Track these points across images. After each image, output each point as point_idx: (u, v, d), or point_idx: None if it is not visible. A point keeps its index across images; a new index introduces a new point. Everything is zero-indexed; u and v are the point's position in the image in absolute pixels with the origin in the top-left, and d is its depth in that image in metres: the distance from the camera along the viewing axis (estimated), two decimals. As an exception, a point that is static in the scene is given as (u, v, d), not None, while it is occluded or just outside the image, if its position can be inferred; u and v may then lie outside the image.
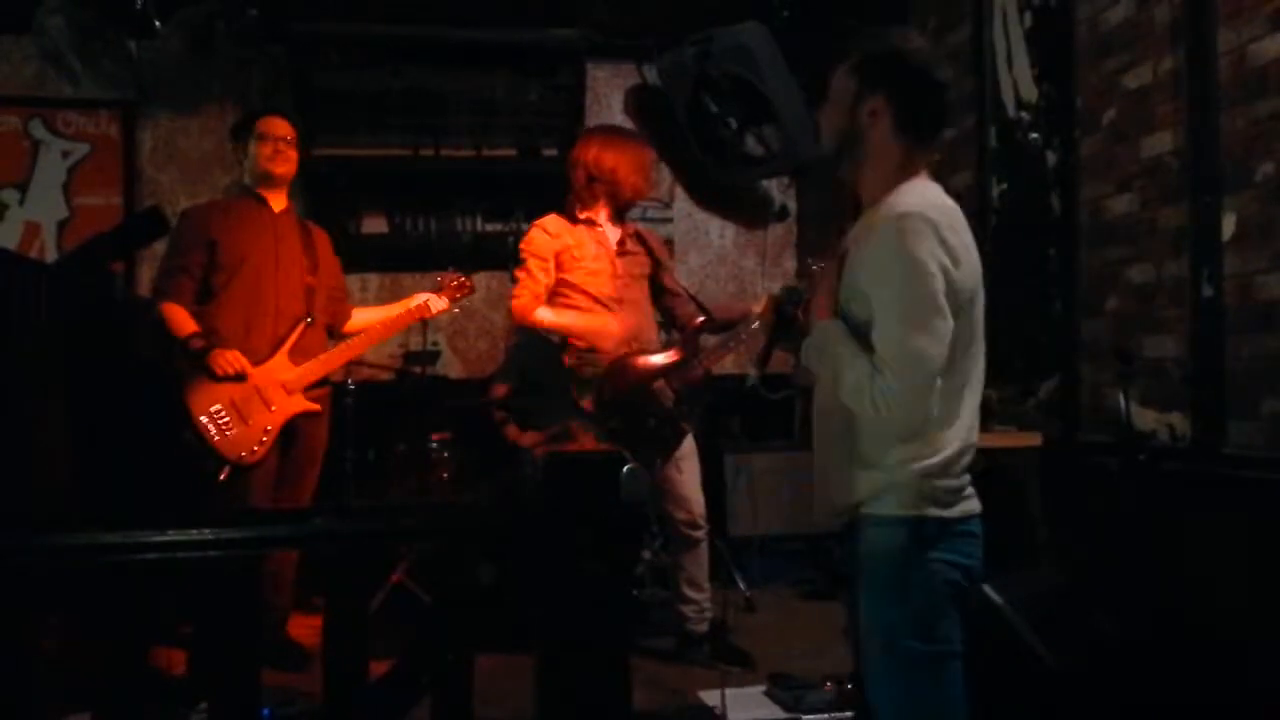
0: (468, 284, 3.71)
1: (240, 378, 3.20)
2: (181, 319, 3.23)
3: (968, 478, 1.79)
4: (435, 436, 4.14)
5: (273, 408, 3.25)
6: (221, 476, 3.16)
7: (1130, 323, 3.23)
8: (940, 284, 1.66)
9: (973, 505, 1.79)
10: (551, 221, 3.57)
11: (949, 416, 1.74)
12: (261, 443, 3.22)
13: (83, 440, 3.36)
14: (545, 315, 3.46)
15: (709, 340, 3.57)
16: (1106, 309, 3.35)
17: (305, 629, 3.64)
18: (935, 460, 1.72)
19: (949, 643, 1.74)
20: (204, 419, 3.15)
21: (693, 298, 3.69)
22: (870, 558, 1.78)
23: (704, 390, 3.50)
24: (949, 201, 1.77)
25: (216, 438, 3.15)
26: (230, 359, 3.19)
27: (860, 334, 1.75)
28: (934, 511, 1.73)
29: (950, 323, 1.67)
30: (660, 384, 3.43)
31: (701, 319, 3.56)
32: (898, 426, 1.71)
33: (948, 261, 1.67)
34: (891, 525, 1.74)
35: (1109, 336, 3.31)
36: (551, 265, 3.50)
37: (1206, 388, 2.86)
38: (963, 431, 1.76)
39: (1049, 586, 2.70)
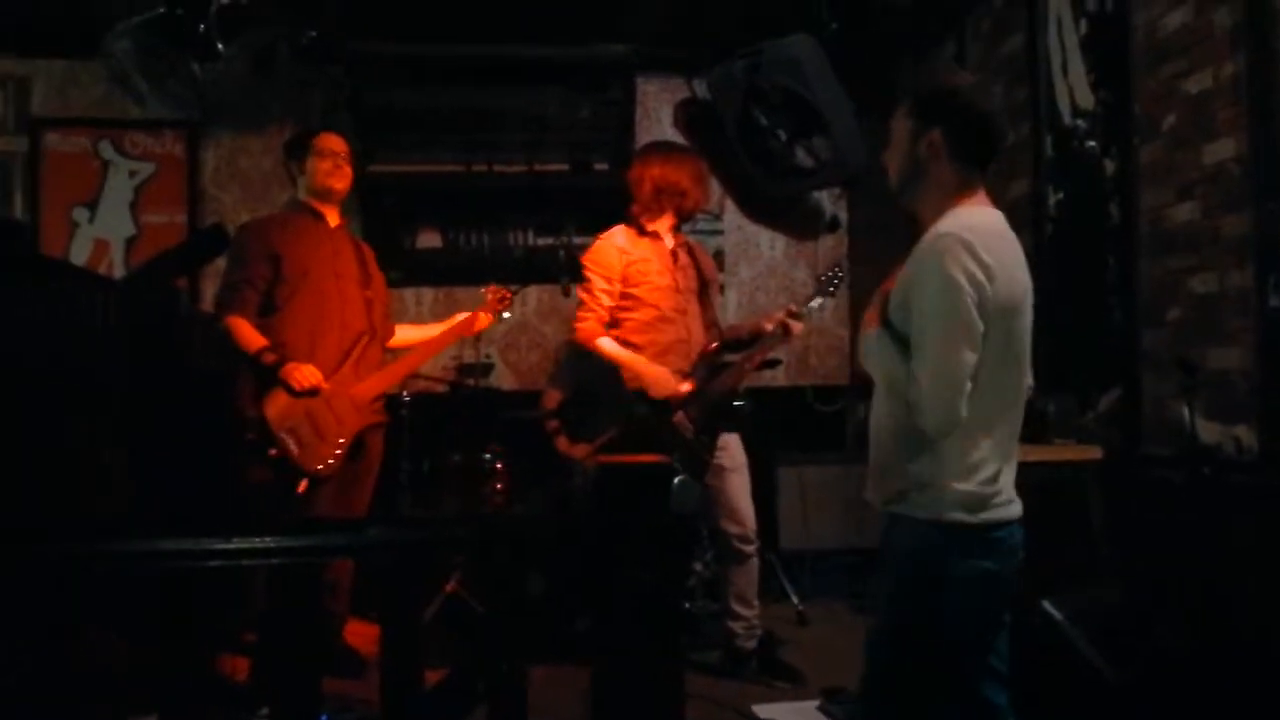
0: (509, 296, 3.74)
1: (314, 393, 3.22)
2: (250, 332, 3.24)
3: (1000, 485, 1.86)
4: (488, 448, 4.18)
5: (344, 421, 3.28)
6: (301, 489, 3.19)
7: (1193, 333, 3.16)
8: (970, 299, 1.78)
9: (1004, 513, 1.86)
10: (620, 234, 3.59)
11: (980, 424, 1.82)
12: (336, 455, 3.25)
13: (146, 451, 3.45)
14: (608, 346, 3.49)
15: (725, 359, 3.55)
16: (1168, 319, 3.28)
17: (362, 638, 3.70)
18: (962, 465, 1.82)
19: (970, 649, 1.86)
20: (284, 434, 3.17)
21: (714, 323, 3.72)
22: (892, 556, 1.90)
23: (728, 410, 3.48)
24: (993, 223, 1.90)
25: (296, 451, 3.18)
26: (307, 373, 3.20)
27: (902, 343, 1.88)
28: (959, 516, 1.81)
29: (978, 336, 1.79)
30: (679, 417, 3.42)
31: (713, 345, 3.55)
32: (930, 429, 1.81)
33: (982, 277, 1.78)
34: (916, 527, 1.85)
35: (1171, 347, 3.24)
36: (617, 282, 3.51)
37: (1273, 399, 2.79)
38: (995, 439, 1.85)
39: (1110, 601, 2.65)
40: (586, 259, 3.57)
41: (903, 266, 1.95)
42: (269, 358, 3.20)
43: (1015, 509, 1.88)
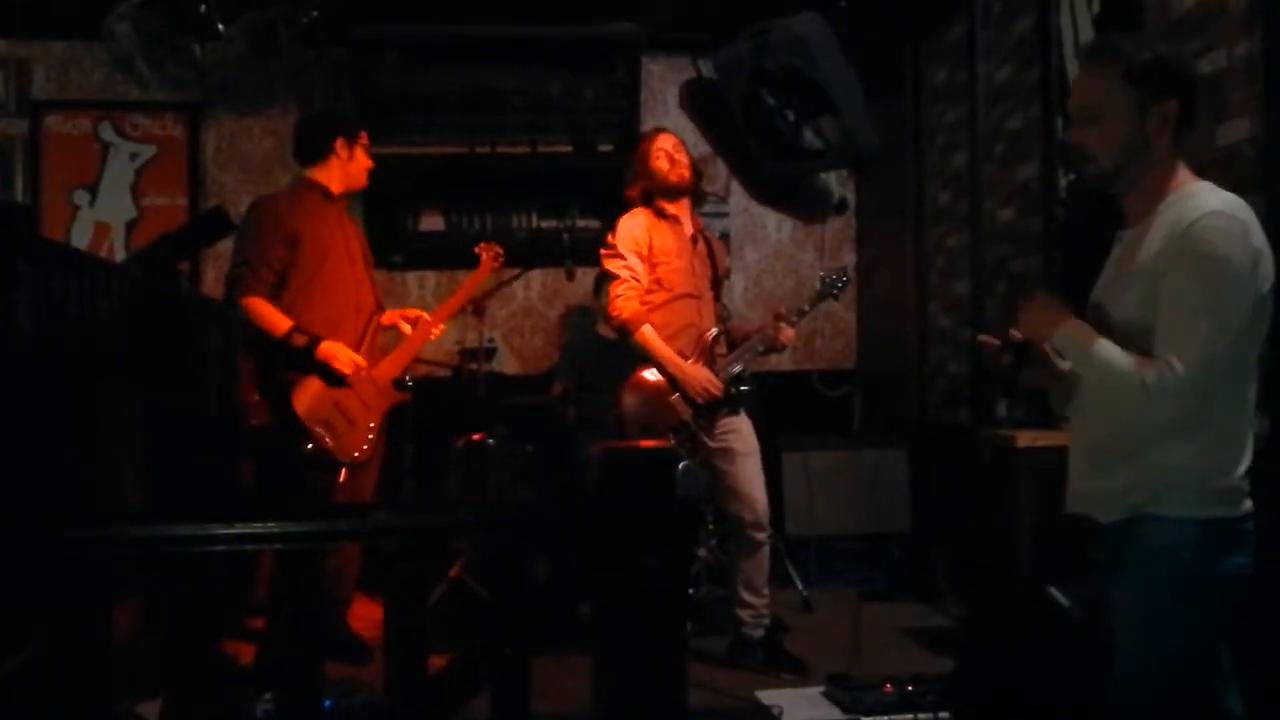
0: (502, 253, 3.70)
1: (342, 380, 3.13)
2: (275, 313, 3.12)
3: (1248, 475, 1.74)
4: (492, 433, 4.17)
5: (371, 405, 3.26)
6: (341, 479, 3.18)
7: (1204, 317, 3.13)
8: (1247, 283, 1.65)
9: (1250, 504, 1.73)
10: (643, 214, 3.57)
11: (1237, 411, 1.72)
12: (370, 440, 3.23)
13: (149, 435, 3.44)
14: (650, 336, 3.41)
15: (721, 350, 3.53)
16: (1179, 303, 3.25)
17: (368, 621, 3.69)
18: (1224, 457, 1.70)
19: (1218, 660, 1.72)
20: (318, 427, 3.12)
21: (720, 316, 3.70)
22: (1152, 560, 1.70)
23: (724, 392, 3.44)
24: (1239, 199, 1.74)
25: (331, 442, 3.14)
26: (348, 356, 3.12)
27: (1116, 334, 1.73)
28: (1221, 511, 1.68)
29: (1247, 325, 1.67)
30: (675, 396, 3.41)
31: (713, 332, 3.52)
32: (1170, 415, 1.66)
33: (1255, 260, 1.66)
34: (1177, 525, 1.68)
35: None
36: (647, 254, 3.48)
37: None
38: (1247, 427, 1.74)
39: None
40: (614, 237, 3.53)
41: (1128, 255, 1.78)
42: (299, 339, 3.08)
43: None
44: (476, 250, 3.72)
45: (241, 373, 3.22)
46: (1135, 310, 1.72)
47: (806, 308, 3.49)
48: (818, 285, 3.55)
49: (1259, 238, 1.68)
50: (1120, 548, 1.74)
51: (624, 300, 3.44)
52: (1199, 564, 1.66)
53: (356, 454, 3.20)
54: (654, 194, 3.56)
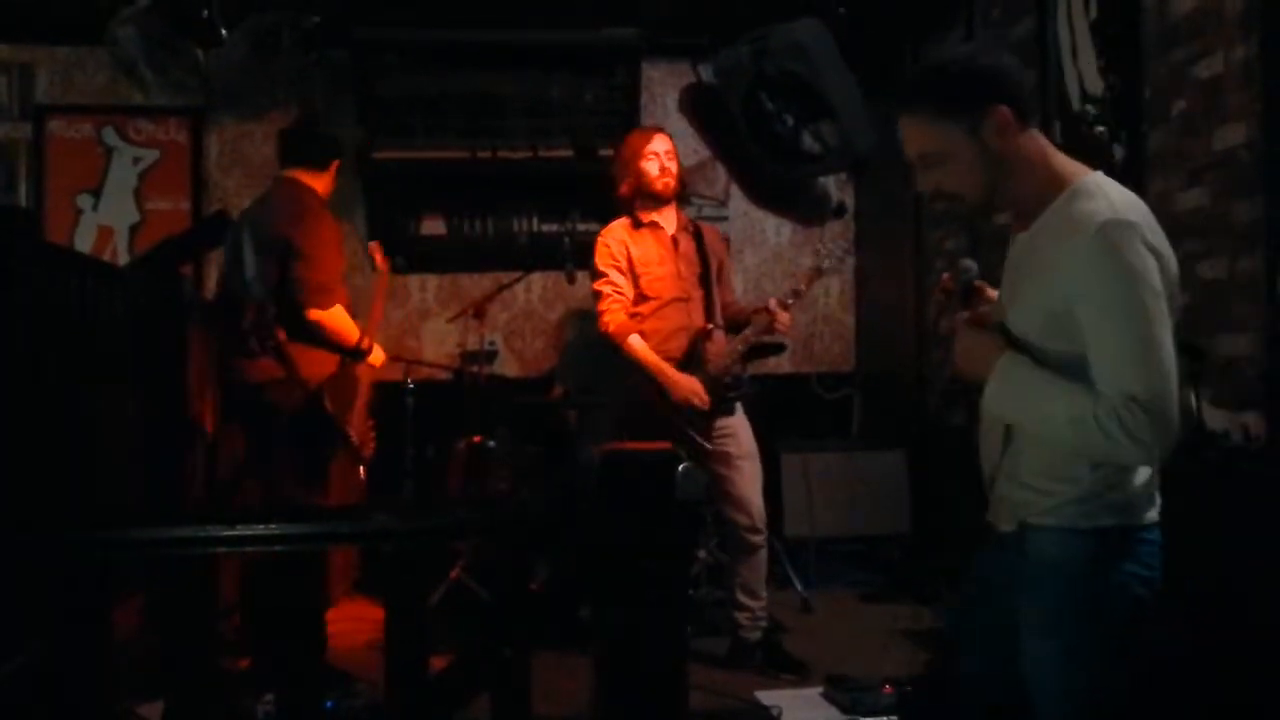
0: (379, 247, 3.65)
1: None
2: (351, 322, 3.30)
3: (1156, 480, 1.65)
4: (493, 435, 4.18)
5: (366, 401, 3.39)
6: (363, 475, 3.31)
7: (1201, 319, 3.14)
8: (1160, 289, 1.52)
9: (1154, 513, 1.64)
10: (619, 227, 3.58)
11: None
12: (373, 437, 3.39)
13: (151, 438, 3.45)
14: (638, 346, 3.45)
15: (717, 347, 3.52)
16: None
17: (368, 622, 3.71)
18: (1123, 470, 1.59)
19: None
20: (349, 430, 3.25)
21: (729, 304, 3.69)
22: (1046, 572, 1.62)
23: (718, 394, 3.43)
24: (1131, 194, 1.60)
25: (358, 441, 3.28)
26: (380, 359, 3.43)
27: (1046, 361, 1.57)
28: (1114, 521, 1.59)
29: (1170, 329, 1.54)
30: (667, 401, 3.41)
31: (704, 328, 3.52)
32: (1159, 452, 1.51)
33: (1157, 264, 1.52)
34: (1070, 536, 1.59)
35: (1178, 333, 3.22)
36: (627, 268, 3.51)
37: (1282, 387, 2.77)
38: None
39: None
40: (595, 258, 3.56)
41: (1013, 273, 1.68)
42: (366, 342, 3.32)
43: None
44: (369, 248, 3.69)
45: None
46: (1040, 318, 1.59)
47: (803, 287, 3.47)
48: (814, 263, 3.53)
49: (1154, 235, 1.54)
50: (1015, 558, 1.66)
51: (609, 315, 3.49)
52: (1093, 576, 1.57)
53: (368, 452, 3.35)
54: (636, 195, 3.56)
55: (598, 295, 3.54)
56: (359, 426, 3.28)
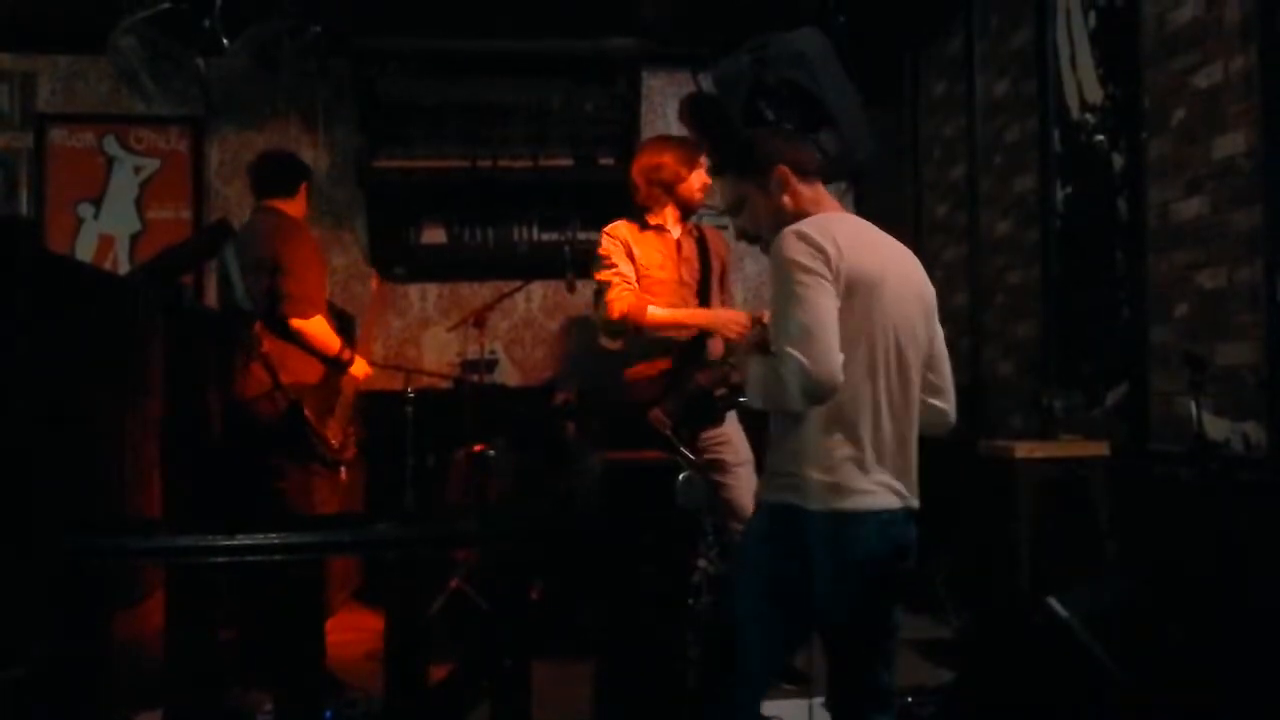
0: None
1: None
2: (331, 332, 3.43)
3: (856, 470, 1.96)
4: (493, 444, 4.18)
5: (346, 405, 3.48)
6: (344, 478, 3.39)
7: (1201, 329, 3.15)
8: (810, 267, 1.87)
9: (859, 502, 1.96)
10: (622, 226, 3.55)
11: (833, 407, 1.90)
12: (353, 441, 3.45)
13: (150, 447, 3.45)
14: (659, 313, 3.38)
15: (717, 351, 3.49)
16: (1176, 315, 3.26)
17: (367, 631, 3.70)
18: (804, 449, 1.93)
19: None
20: (328, 435, 3.33)
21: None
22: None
23: (706, 405, 3.34)
24: (840, 217, 2.06)
25: (336, 445, 3.35)
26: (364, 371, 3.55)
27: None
28: (791, 500, 1.93)
29: (826, 300, 1.87)
30: (655, 413, 3.23)
31: (693, 337, 3.45)
32: (813, 386, 1.83)
33: (819, 252, 1.88)
34: (761, 509, 2.03)
35: (1179, 343, 3.23)
36: (632, 258, 3.46)
37: (1283, 395, 2.77)
38: (854, 421, 1.95)
39: (1116, 598, 2.64)
40: (598, 251, 3.52)
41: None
42: (347, 354, 3.44)
43: (876, 500, 2.00)
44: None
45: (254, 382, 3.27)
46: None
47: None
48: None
49: (825, 235, 1.91)
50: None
51: (619, 300, 3.38)
52: (757, 540, 2.00)
53: (348, 454, 3.42)
54: (654, 203, 3.54)
55: (603, 286, 3.44)
56: (337, 432, 3.35)
